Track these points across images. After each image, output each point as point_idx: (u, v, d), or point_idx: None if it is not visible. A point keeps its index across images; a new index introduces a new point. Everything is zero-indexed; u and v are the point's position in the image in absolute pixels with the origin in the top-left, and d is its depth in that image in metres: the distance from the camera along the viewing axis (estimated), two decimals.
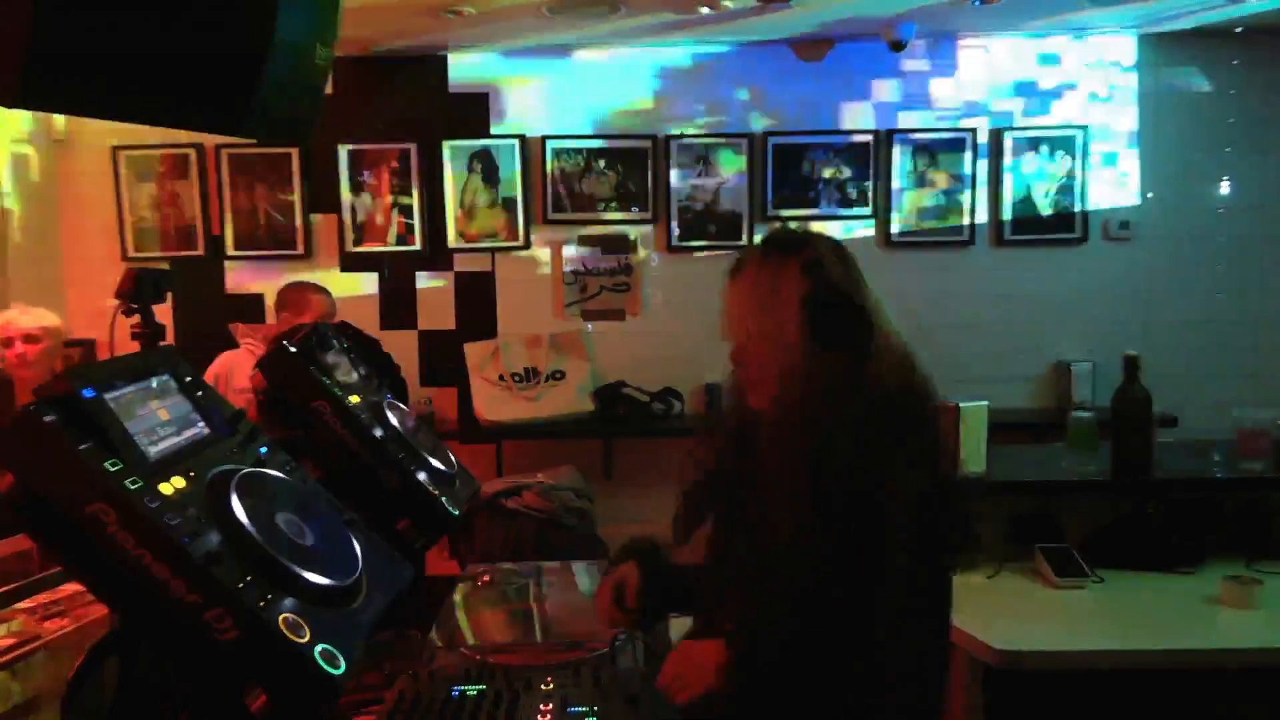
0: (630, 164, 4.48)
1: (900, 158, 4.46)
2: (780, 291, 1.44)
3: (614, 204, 4.50)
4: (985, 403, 2.53)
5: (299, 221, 4.48)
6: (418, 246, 4.50)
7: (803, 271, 1.44)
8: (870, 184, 4.46)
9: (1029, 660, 2.04)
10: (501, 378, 4.37)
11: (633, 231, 4.51)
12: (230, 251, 4.49)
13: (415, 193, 4.48)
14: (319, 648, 0.97)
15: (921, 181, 4.47)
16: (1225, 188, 4.49)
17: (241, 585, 0.96)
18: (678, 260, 4.53)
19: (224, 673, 0.95)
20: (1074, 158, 4.45)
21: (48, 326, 3.55)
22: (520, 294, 4.55)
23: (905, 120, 4.46)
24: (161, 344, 1.51)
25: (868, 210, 4.47)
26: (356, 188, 4.49)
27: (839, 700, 1.39)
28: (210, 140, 4.34)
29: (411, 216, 4.49)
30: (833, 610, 1.35)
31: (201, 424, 1.19)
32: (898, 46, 4.13)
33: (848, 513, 1.34)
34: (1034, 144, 4.46)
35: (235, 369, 3.66)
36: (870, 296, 1.47)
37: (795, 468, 1.38)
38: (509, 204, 4.50)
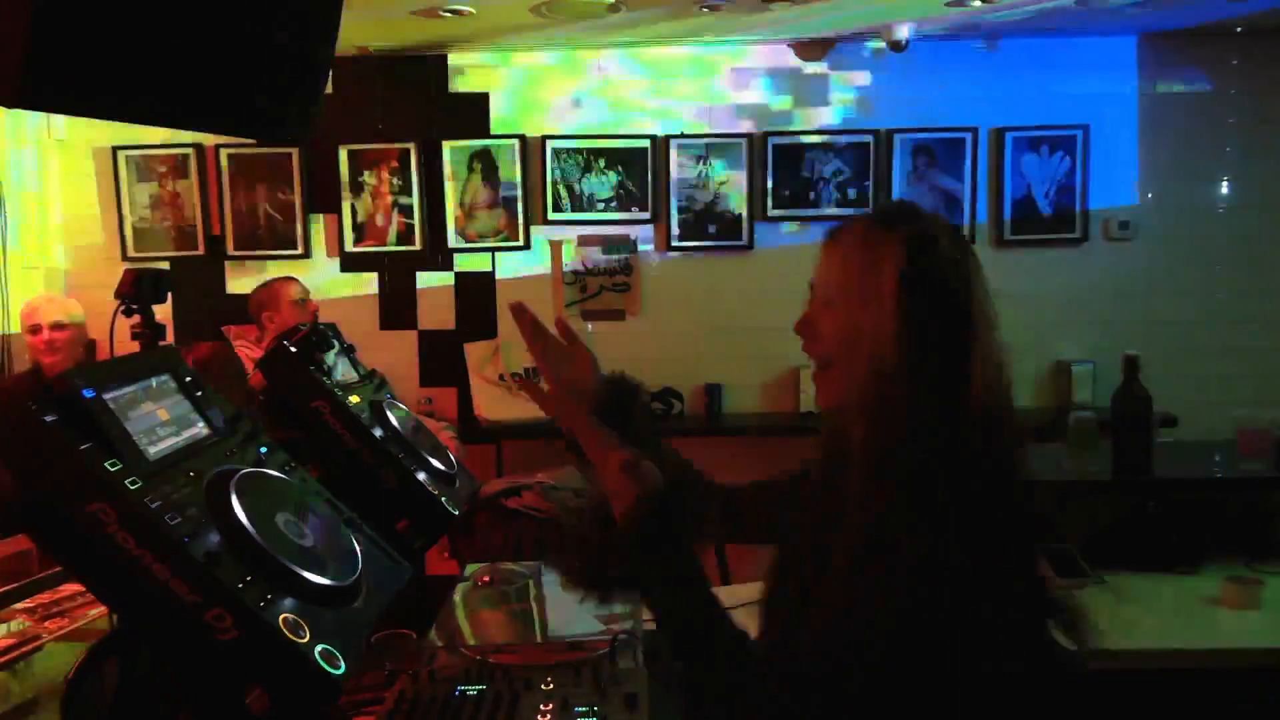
0: (630, 164, 4.48)
1: (900, 158, 4.45)
2: (878, 267, 1.16)
3: (614, 204, 4.50)
4: None
5: (299, 221, 4.48)
6: (418, 246, 4.50)
7: (908, 247, 1.17)
8: (870, 184, 4.45)
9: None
10: (501, 378, 4.37)
11: (633, 231, 4.51)
12: (230, 252, 4.49)
13: (415, 193, 4.47)
14: (319, 648, 0.97)
15: (921, 181, 4.46)
16: (1225, 188, 4.48)
17: (241, 585, 0.96)
18: (678, 260, 4.52)
19: (224, 673, 0.95)
20: (1074, 158, 4.44)
21: (74, 315, 3.69)
22: (520, 294, 4.51)
23: (905, 120, 4.45)
24: (161, 344, 1.51)
25: (868, 210, 4.46)
26: (356, 188, 4.48)
27: None
28: (210, 140, 4.34)
29: (411, 216, 4.49)
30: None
31: (201, 424, 1.19)
32: (898, 47, 4.13)
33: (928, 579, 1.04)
34: (1034, 144, 4.45)
35: None
36: (983, 295, 1.23)
37: (880, 499, 1.10)
38: (509, 204, 4.49)
